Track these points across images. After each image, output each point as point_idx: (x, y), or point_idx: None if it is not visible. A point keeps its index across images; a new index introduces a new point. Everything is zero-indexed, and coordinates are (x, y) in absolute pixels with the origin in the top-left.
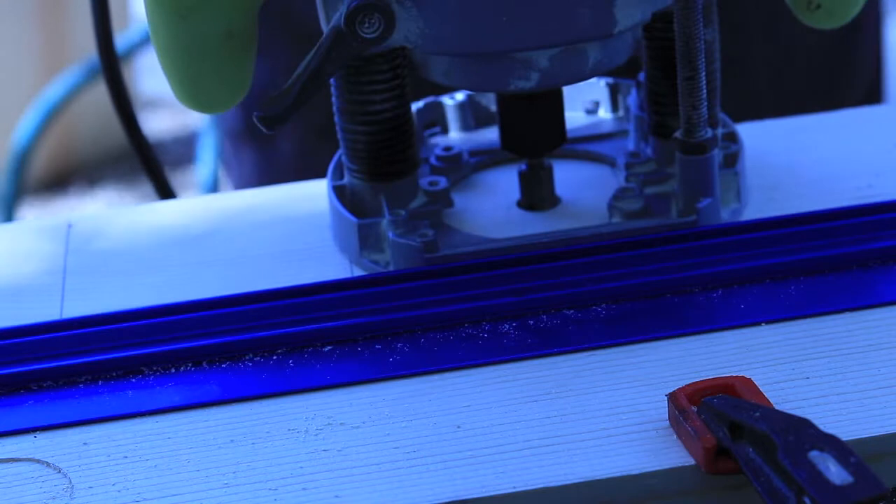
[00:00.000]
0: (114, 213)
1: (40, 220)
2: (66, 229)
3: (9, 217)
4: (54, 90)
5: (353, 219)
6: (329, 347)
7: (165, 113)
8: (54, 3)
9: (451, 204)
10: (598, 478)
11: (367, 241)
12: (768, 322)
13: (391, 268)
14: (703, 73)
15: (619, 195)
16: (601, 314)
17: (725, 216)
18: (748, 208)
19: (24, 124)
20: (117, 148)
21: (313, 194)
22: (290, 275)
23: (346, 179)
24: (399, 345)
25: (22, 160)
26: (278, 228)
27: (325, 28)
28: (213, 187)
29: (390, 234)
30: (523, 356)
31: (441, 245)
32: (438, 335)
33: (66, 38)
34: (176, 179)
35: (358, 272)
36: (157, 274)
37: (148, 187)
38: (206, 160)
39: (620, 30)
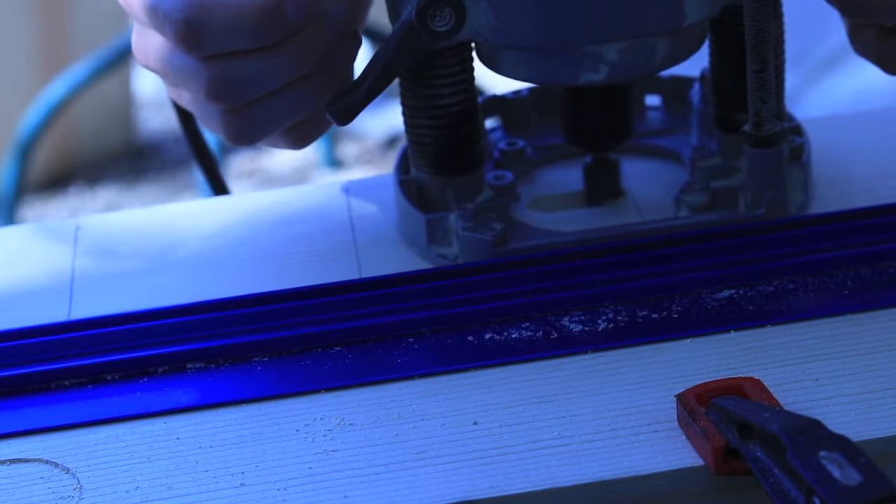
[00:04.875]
0: (122, 216)
1: (48, 222)
2: (74, 231)
3: (10, 216)
4: (56, 89)
5: (420, 213)
6: (338, 348)
7: (165, 113)
8: (55, 1)
9: (517, 198)
10: (606, 478)
11: (435, 235)
12: (776, 324)
13: (460, 261)
14: (773, 67)
15: (686, 189)
16: (604, 316)
17: (793, 210)
18: (814, 202)
19: (25, 123)
20: (117, 148)
21: (319, 195)
22: (299, 276)
23: (413, 174)
24: (407, 346)
25: (23, 159)
26: (286, 230)
27: (392, 22)
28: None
29: (459, 228)
30: (531, 357)
31: (510, 239)
32: (445, 336)
33: (66, 36)
34: (176, 180)
35: (425, 265)
36: (165, 275)
37: (148, 187)
38: None
39: (689, 23)
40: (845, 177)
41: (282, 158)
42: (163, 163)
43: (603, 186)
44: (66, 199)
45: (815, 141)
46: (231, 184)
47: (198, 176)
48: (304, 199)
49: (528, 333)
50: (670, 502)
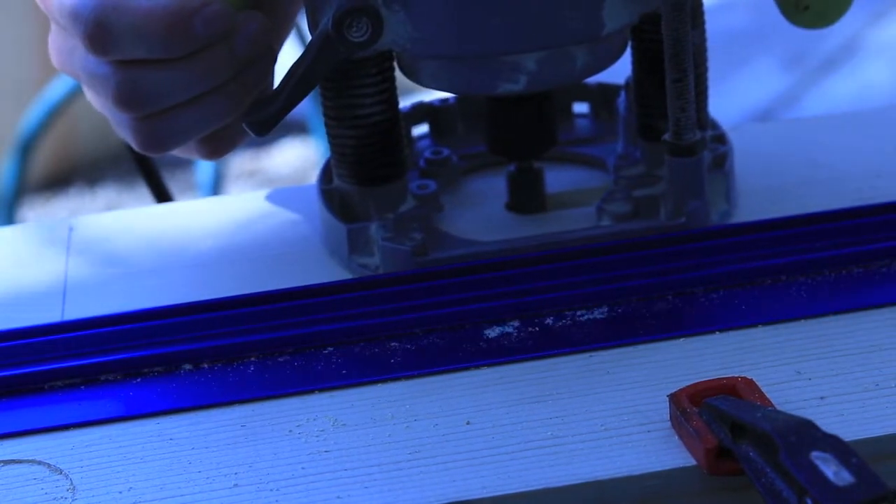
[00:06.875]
0: (114, 217)
1: (41, 223)
2: (68, 232)
3: (10, 216)
4: (56, 89)
5: (342, 223)
6: (330, 349)
7: None
8: None
9: (440, 208)
10: (599, 478)
11: (356, 245)
12: (769, 323)
13: (380, 271)
14: (692, 76)
15: (608, 198)
16: (595, 316)
17: (715, 218)
18: (744, 210)
19: (25, 123)
20: (117, 148)
21: (311, 198)
22: (290, 277)
23: (336, 184)
24: (400, 346)
25: (23, 159)
26: (278, 231)
27: (312, 32)
28: (214, 188)
29: (380, 239)
30: (524, 357)
31: (430, 248)
32: (438, 337)
33: None
34: (176, 180)
35: (349, 275)
36: (157, 276)
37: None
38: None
39: (608, 32)
40: (783, 184)
41: (282, 158)
42: (163, 163)
43: (526, 195)
44: (66, 199)
45: (754, 148)
46: (231, 184)
47: (198, 176)
48: (297, 200)
49: (516, 334)
50: (663, 502)
